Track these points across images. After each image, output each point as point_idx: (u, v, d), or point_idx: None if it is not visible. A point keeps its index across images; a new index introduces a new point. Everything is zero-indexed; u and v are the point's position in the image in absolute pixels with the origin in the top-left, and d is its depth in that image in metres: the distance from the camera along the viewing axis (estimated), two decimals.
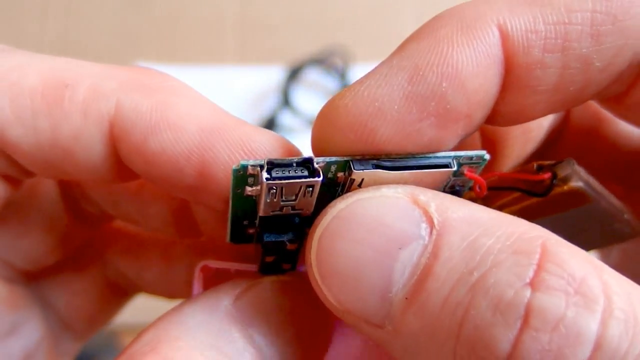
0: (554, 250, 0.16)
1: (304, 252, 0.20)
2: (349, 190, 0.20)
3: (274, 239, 0.21)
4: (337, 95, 0.20)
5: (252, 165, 0.19)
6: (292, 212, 0.20)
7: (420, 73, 0.18)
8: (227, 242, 0.23)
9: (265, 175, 0.19)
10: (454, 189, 0.21)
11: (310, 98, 0.80)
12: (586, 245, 0.20)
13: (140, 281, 0.30)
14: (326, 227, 0.19)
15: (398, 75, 0.18)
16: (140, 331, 0.20)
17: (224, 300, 0.21)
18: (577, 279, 0.16)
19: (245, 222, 0.22)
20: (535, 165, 0.23)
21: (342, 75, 0.81)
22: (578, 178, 0.22)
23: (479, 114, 0.19)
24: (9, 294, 0.27)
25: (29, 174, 0.23)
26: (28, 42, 0.86)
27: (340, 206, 0.19)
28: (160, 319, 0.21)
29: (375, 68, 0.19)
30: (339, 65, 0.81)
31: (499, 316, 0.16)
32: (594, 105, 0.23)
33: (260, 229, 0.21)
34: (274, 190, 0.19)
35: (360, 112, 0.19)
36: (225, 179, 0.20)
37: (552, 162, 0.22)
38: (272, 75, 0.80)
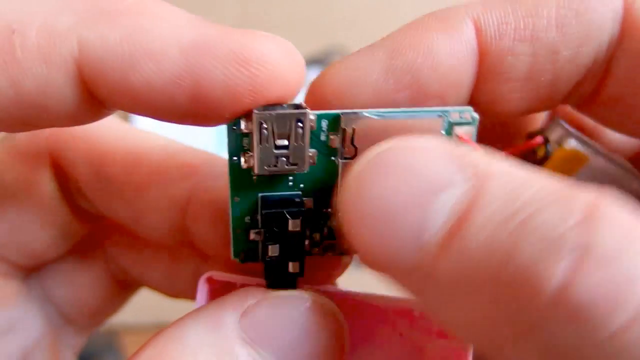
0: (603, 198, 0.16)
1: (308, 252, 0.21)
2: (344, 153, 0.21)
3: (274, 210, 0.21)
4: (327, 67, 0.22)
5: (244, 118, 0.20)
6: (287, 167, 0.20)
7: (399, 50, 0.21)
8: (232, 259, 0.22)
9: (255, 110, 0.19)
10: None
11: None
12: None
13: (143, 278, 0.29)
14: (359, 172, 0.18)
15: (379, 51, 0.21)
16: (138, 348, 0.19)
17: (229, 317, 0.20)
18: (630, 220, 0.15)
19: (247, 220, 0.22)
20: (527, 134, 0.23)
21: None
22: (571, 137, 0.22)
23: (452, 96, 0.21)
24: (5, 290, 0.26)
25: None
26: None
27: (374, 152, 0.18)
28: (160, 333, 0.20)
29: (361, 48, 0.21)
30: None
31: (547, 253, 0.15)
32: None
33: (261, 206, 0.21)
34: (265, 127, 0.19)
35: (342, 80, 0.21)
36: (223, 97, 0.19)
37: (541, 127, 0.23)
38: None
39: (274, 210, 0.21)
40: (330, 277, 0.24)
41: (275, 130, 0.20)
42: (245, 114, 0.20)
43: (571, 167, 0.23)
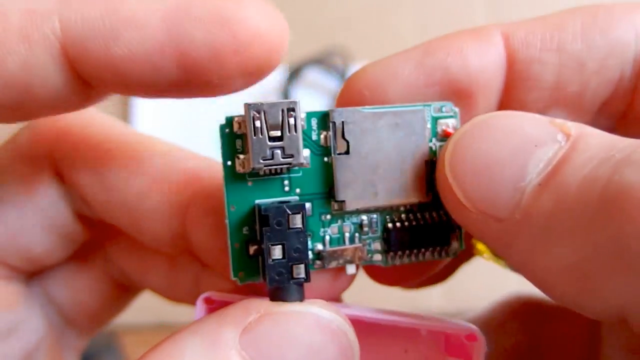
0: None
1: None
2: (336, 148, 0.22)
3: (274, 205, 0.20)
4: (362, 66, 0.24)
5: (237, 116, 0.20)
6: (283, 159, 0.20)
7: (431, 50, 0.22)
8: (232, 280, 0.21)
9: (247, 102, 0.20)
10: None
11: (311, 98, 0.80)
12: None
13: (144, 282, 0.29)
14: (463, 132, 0.20)
15: (412, 51, 0.23)
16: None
17: (229, 333, 0.19)
18: None
19: (245, 231, 0.21)
20: None
21: (342, 75, 0.81)
22: None
23: (482, 97, 0.22)
24: (6, 293, 0.26)
25: None
26: None
27: (477, 119, 0.20)
28: (156, 348, 0.19)
29: (396, 53, 0.23)
30: (339, 65, 0.81)
31: None
32: None
33: (259, 210, 0.21)
34: (258, 117, 0.20)
35: (377, 75, 0.23)
36: (208, 59, 0.19)
37: None
38: (272, 75, 0.80)
39: (274, 207, 0.20)
40: (335, 292, 0.24)
41: (268, 121, 0.20)
42: (238, 116, 0.20)
43: None
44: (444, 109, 0.23)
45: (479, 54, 0.22)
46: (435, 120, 0.23)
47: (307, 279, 0.21)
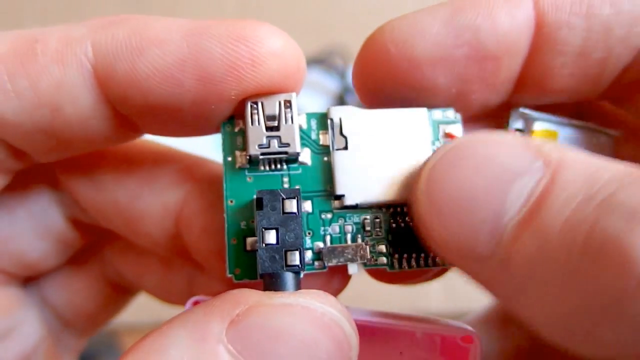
0: None
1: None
2: (335, 145, 0.22)
3: (269, 190, 0.20)
4: (386, 22, 0.22)
5: (238, 115, 0.21)
6: (279, 148, 0.21)
7: (461, 8, 0.21)
8: (228, 277, 0.21)
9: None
10: None
11: (311, 98, 0.80)
12: None
13: (139, 284, 0.29)
14: (440, 158, 0.19)
15: (441, 9, 0.22)
16: (122, 354, 0.18)
17: (216, 326, 0.18)
18: None
19: (243, 226, 0.21)
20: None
21: (342, 75, 0.81)
22: (536, 120, 0.23)
23: (507, 60, 0.22)
24: (2, 298, 0.26)
25: (19, 155, 0.22)
26: None
27: (450, 145, 0.19)
28: (144, 340, 0.18)
29: (422, 8, 0.22)
30: (339, 65, 0.81)
31: (635, 224, 0.15)
32: None
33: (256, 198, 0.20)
34: (255, 106, 0.21)
35: (403, 29, 0.21)
36: (225, 73, 0.20)
37: (505, 124, 0.24)
38: None
39: (268, 190, 0.20)
40: (330, 293, 0.22)
41: (265, 113, 0.21)
42: (239, 113, 0.21)
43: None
44: (445, 115, 0.23)
45: (509, 16, 0.21)
46: (437, 124, 0.23)
47: (302, 266, 0.20)
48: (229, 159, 0.21)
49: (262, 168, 0.21)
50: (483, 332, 0.28)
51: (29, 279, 0.28)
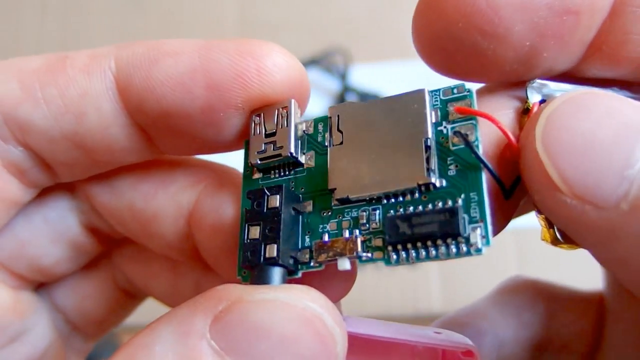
0: None
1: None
2: (333, 140, 0.22)
3: (254, 189, 0.22)
4: None
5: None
6: (273, 151, 0.22)
7: None
8: (237, 278, 0.21)
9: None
10: (464, 139, 0.20)
11: (311, 98, 0.80)
12: None
13: (148, 289, 0.30)
14: (557, 107, 0.18)
15: None
16: (112, 354, 0.18)
17: (199, 322, 0.18)
18: None
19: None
20: (521, 111, 0.23)
21: (342, 75, 0.81)
22: (555, 91, 0.22)
23: (586, 19, 0.20)
24: (15, 302, 0.26)
25: (46, 168, 0.23)
26: (27, 39, 0.86)
27: (568, 95, 0.19)
28: (133, 339, 0.18)
29: None
30: (339, 65, 0.81)
31: None
32: None
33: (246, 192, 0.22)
34: (258, 118, 0.22)
35: None
36: (232, 82, 0.21)
37: (525, 101, 0.22)
38: None
39: (255, 189, 0.22)
40: (336, 296, 0.22)
41: (265, 121, 0.22)
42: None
43: None
44: (455, 91, 0.21)
45: None
46: (445, 102, 0.21)
47: (278, 258, 0.20)
48: (247, 172, 0.23)
49: (272, 176, 0.23)
50: (498, 320, 0.29)
51: (41, 284, 0.28)
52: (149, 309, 0.33)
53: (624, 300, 0.27)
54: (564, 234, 0.21)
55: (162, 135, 0.23)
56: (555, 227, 0.21)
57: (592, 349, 0.28)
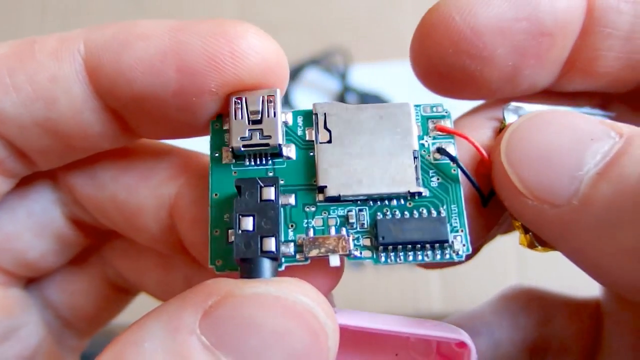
0: None
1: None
2: (319, 138, 0.22)
3: (246, 178, 0.21)
4: None
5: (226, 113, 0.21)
6: (260, 139, 0.21)
7: None
8: (210, 268, 0.21)
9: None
10: (449, 155, 0.23)
11: (311, 98, 0.80)
12: None
13: (139, 284, 0.29)
14: (520, 124, 0.21)
15: None
16: (103, 350, 0.18)
17: (189, 317, 0.18)
18: None
19: (226, 218, 0.22)
20: (497, 131, 0.25)
21: (342, 75, 0.81)
22: (525, 113, 0.24)
23: (561, 39, 0.22)
24: (3, 299, 0.26)
25: (22, 157, 0.23)
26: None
27: (533, 113, 0.21)
28: (122, 335, 0.18)
29: None
30: (339, 65, 0.81)
31: None
32: None
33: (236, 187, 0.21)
34: (239, 102, 0.21)
35: (467, 0, 0.22)
36: (205, 65, 0.20)
37: (501, 121, 0.25)
38: None
39: (247, 178, 0.21)
40: (321, 291, 0.22)
41: (248, 107, 0.21)
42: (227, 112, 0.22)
43: None
44: (435, 109, 0.23)
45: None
46: (425, 119, 0.23)
47: (277, 252, 0.20)
48: (216, 154, 0.22)
49: (247, 163, 0.22)
50: (494, 322, 0.29)
51: (30, 280, 0.28)
52: (148, 308, 0.33)
53: (620, 304, 0.27)
54: (538, 238, 0.23)
55: (137, 120, 0.22)
56: (530, 233, 0.23)
57: (591, 352, 0.28)
